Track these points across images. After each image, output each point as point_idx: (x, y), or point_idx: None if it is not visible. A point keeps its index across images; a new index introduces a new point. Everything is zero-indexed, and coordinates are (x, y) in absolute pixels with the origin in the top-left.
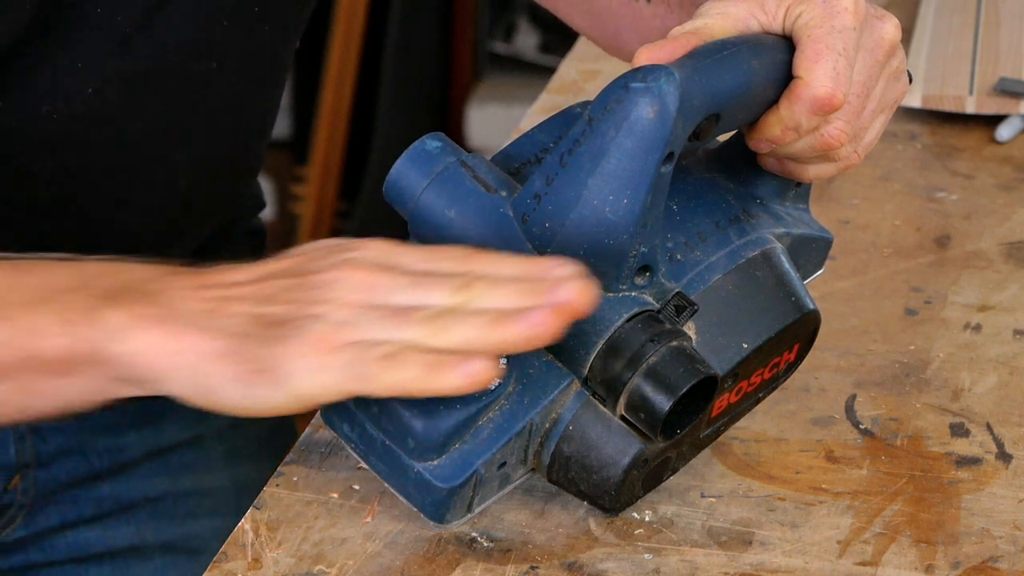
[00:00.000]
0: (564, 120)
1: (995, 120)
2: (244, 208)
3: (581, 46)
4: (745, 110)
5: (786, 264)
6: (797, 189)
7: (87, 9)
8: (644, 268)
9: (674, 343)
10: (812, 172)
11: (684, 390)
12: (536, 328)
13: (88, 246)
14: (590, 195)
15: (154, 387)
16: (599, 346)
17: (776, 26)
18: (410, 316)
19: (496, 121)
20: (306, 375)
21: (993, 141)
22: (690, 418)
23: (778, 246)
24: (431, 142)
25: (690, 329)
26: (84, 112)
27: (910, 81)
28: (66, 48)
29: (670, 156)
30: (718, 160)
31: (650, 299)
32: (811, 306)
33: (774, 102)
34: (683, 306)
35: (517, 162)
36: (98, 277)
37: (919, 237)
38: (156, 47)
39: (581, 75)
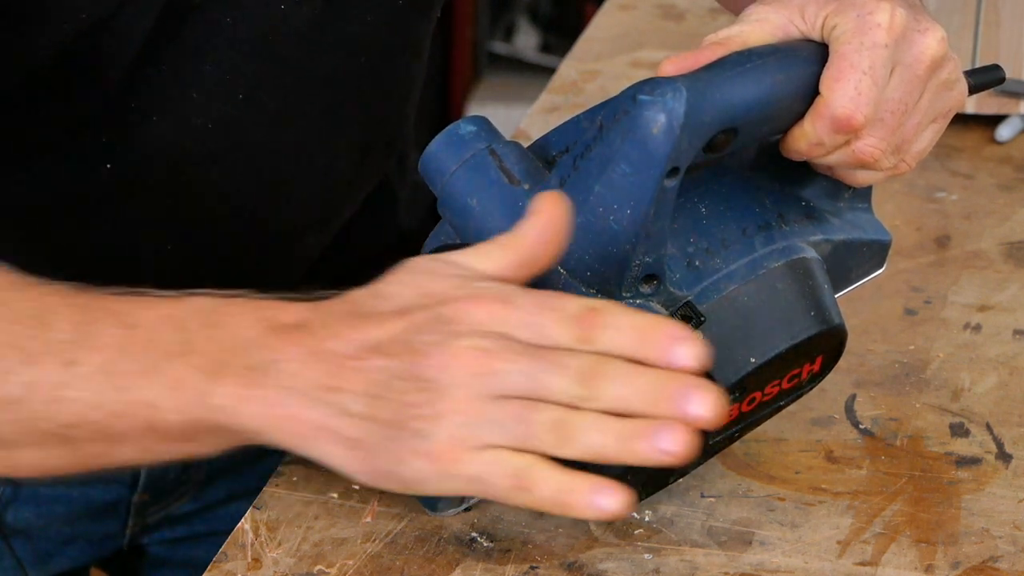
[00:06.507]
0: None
1: (995, 120)
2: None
3: (581, 46)
4: (767, 124)
5: (816, 275)
6: (853, 189)
7: (214, 16)
8: (650, 277)
9: None
10: (859, 178)
11: None
12: (666, 455)
13: (250, 246)
14: (596, 201)
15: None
16: None
17: (815, 34)
18: (533, 418)
19: (496, 121)
20: (433, 484)
21: (993, 141)
22: None
23: (810, 256)
24: (466, 126)
25: None
26: (238, 117)
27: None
28: (199, 57)
29: (675, 171)
30: (768, 158)
31: (657, 307)
32: (835, 321)
33: (803, 115)
34: (689, 316)
35: (555, 149)
36: (202, 339)
37: (919, 237)
38: (295, 46)
39: (581, 75)
